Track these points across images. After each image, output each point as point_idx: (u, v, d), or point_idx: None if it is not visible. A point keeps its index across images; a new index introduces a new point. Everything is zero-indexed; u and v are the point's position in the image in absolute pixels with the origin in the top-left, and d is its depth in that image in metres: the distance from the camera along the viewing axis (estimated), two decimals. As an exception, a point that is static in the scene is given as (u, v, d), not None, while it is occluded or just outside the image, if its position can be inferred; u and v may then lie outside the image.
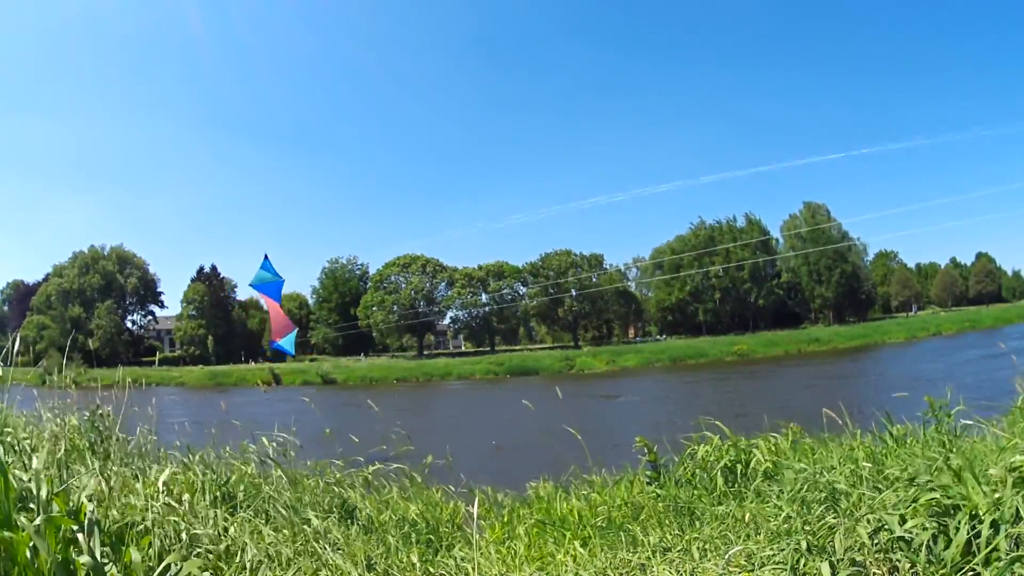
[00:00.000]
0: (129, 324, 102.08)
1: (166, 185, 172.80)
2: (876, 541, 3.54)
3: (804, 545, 3.67)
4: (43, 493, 3.12)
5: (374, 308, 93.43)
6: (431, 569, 4.50)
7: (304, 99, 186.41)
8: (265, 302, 10.46)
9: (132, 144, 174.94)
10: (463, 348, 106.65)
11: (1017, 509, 3.15)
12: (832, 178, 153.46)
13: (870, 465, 4.76)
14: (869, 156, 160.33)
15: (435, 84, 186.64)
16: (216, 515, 4.45)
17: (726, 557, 3.95)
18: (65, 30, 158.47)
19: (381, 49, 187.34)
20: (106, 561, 3.04)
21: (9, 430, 5.22)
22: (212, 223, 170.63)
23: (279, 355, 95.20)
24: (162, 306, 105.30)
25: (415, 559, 4.57)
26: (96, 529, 3.06)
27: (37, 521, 2.92)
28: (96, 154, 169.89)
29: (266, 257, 10.45)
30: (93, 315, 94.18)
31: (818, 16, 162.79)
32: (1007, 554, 2.99)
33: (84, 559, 2.89)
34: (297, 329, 10.39)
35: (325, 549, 4.38)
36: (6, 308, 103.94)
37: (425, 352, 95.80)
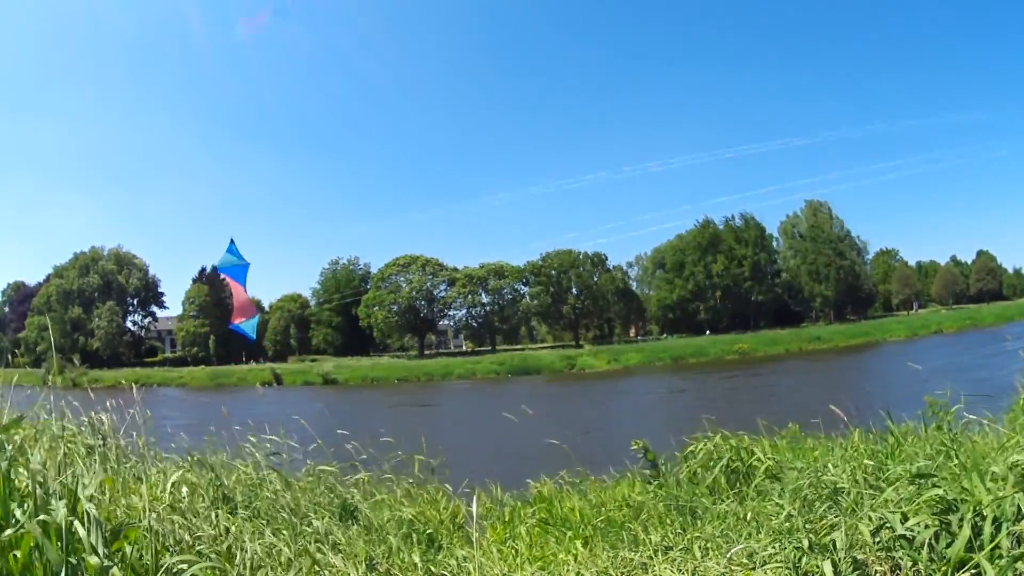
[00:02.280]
0: (130, 325, 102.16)
1: (166, 185, 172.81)
2: (878, 539, 3.54)
3: (806, 543, 3.67)
4: (43, 493, 3.12)
5: (375, 308, 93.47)
6: (432, 569, 4.50)
7: (304, 99, 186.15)
8: (229, 283, 10.20)
9: (132, 144, 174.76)
10: (464, 348, 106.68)
11: (1019, 506, 3.15)
12: (834, 176, 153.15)
13: (872, 463, 4.76)
14: (870, 153, 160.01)
15: (435, 82, 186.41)
16: (217, 516, 4.45)
17: (728, 555, 3.95)
18: (64, 29, 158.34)
19: (381, 48, 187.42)
20: (108, 563, 3.03)
21: (9, 431, 5.22)
22: (212, 223, 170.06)
23: (281, 356, 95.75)
24: (163, 307, 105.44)
25: (416, 559, 4.56)
26: (97, 529, 3.06)
27: (37, 522, 2.92)
28: (96, 154, 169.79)
29: (232, 241, 10.48)
30: (93, 316, 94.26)
31: (820, 13, 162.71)
32: (1009, 552, 2.99)
33: (87, 559, 2.89)
34: (259, 315, 10.25)
35: (326, 550, 4.38)
36: (7, 309, 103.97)
37: (426, 352, 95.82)
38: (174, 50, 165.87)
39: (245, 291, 10.06)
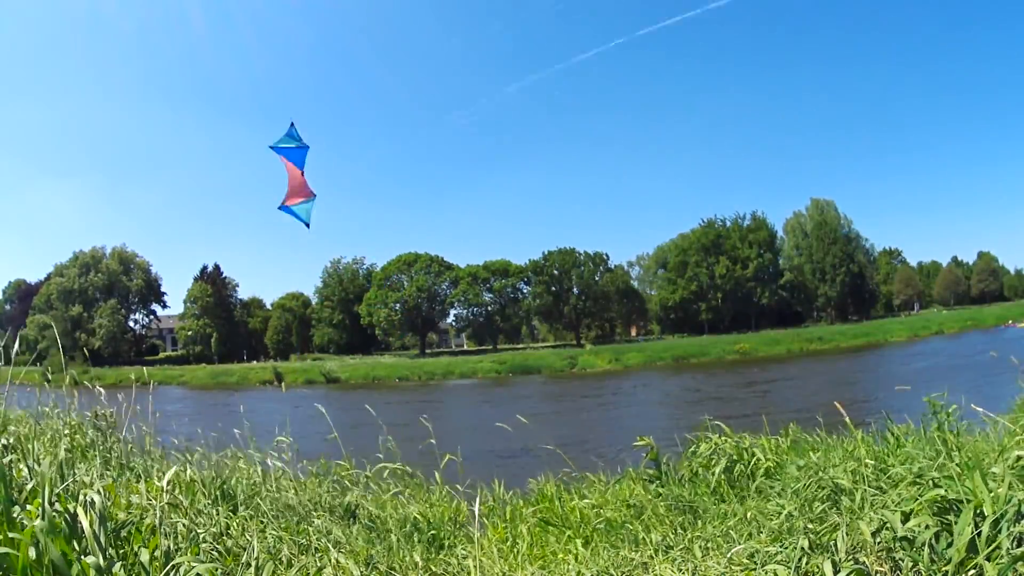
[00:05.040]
0: (132, 323, 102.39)
1: (167, 182, 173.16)
2: (879, 539, 3.54)
3: (806, 543, 3.67)
4: (46, 492, 3.13)
5: (377, 306, 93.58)
6: (433, 568, 4.50)
7: (305, 95, 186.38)
8: (283, 163, 9.04)
9: (132, 138, 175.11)
10: (465, 346, 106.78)
11: (1020, 507, 3.15)
12: (837, 175, 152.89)
13: (872, 463, 4.76)
14: (872, 152, 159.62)
15: (437, 79, 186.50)
16: (218, 514, 4.46)
17: (728, 555, 3.95)
18: (63, 16, 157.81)
19: (381, 42, 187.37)
20: (111, 561, 3.04)
21: (11, 429, 5.24)
22: (213, 220, 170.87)
23: (282, 354, 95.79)
24: (164, 306, 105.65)
25: (417, 558, 4.57)
26: (100, 528, 3.07)
27: (40, 520, 2.93)
28: (95, 147, 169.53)
29: (292, 125, 8.96)
30: (95, 315, 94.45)
31: (824, 10, 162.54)
32: (1008, 552, 2.99)
33: (89, 559, 2.89)
34: (316, 196, 8.99)
35: (328, 548, 4.39)
36: (8, 307, 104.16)
37: (427, 351, 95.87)
38: (172, 37, 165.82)
39: (303, 173, 8.96)
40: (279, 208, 8.98)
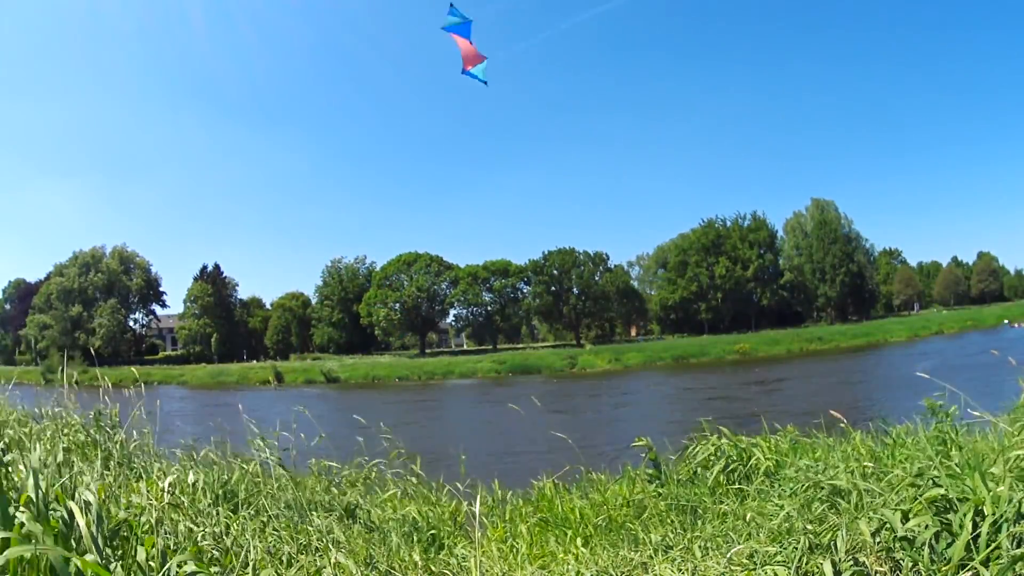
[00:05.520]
0: (132, 323, 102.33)
1: (166, 179, 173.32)
2: (878, 539, 3.53)
3: (806, 544, 3.67)
4: (44, 491, 3.12)
5: (377, 306, 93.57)
6: (433, 568, 4.50)
7: (305, 93, 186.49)
8: (454, 39, 10.86)
9: (133, 137, 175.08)
10: (465, 346, 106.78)
11: (1019, 507, 3.15)
12: (837, 175, 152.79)
13: (872, 463, 4.76)
14: (872, 152, 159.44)
15: (438, 79, 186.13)
16: (218, 513, 4.46)
17: (728, 555, 3.95)
18: (64, 15, 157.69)
19: (382, 42, 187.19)
20: (109, 561, 3.04)
21: (10, 428, 5.24)
22: (212, 221, 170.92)
23: (282, 353, 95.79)
24: (164, 305, 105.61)
25: (417, 558, 4.56)
26: (99, 527, 3.06)
27: (36, 518, 2.92)
28: (95, 146, 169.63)
29: (452, 5, 11.02)
30: (94, 314, 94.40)
31: (824, 10, 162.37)
32: (1008, 552, 2.99)
33: (88, 557, 2.89)
34: (487, 58, 11.10)
35: (328, 548, 4.38)
36: (8, 307, 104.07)
37: (427, 351, 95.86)
38: (171, 36, 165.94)
39: (470, 42, 10.83)
40: (462, 73, 10.83)
